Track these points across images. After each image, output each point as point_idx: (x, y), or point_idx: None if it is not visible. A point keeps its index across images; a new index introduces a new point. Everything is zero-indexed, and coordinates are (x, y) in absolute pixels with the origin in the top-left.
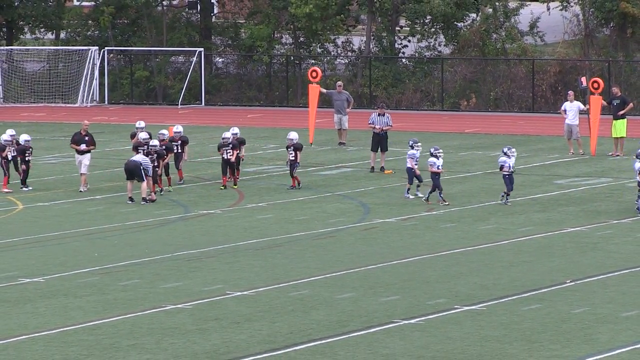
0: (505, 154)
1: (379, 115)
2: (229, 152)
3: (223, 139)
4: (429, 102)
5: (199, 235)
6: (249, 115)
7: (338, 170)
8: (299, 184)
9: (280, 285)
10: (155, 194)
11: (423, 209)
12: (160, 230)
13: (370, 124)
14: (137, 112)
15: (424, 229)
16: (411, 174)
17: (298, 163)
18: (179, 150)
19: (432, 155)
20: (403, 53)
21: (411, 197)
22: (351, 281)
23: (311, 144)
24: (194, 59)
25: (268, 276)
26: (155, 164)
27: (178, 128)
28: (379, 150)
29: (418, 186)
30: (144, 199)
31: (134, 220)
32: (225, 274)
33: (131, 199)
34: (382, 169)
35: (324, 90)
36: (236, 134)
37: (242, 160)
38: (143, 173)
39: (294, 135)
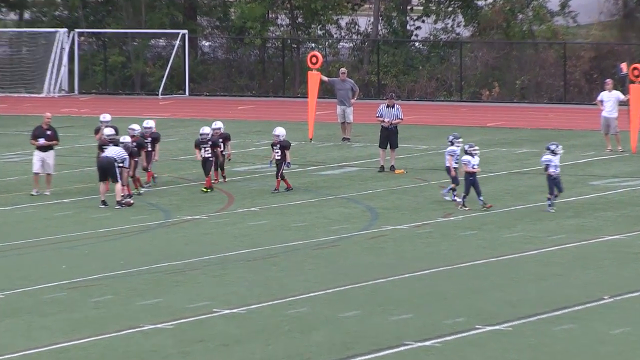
0: (552, 151)
1: (387, 106)
2: (208, 151)
3: (201, 134)
4: (445, 91)
5: (182, 244)
6: (240, 107)
7: (341, 170)
8: (276, 189)
9: (276, 301)
10: (131, 197)
11: (439, 214)
12: (137, 239)
13: (378, 116)
14: (112, 103)
15: (441, 238)
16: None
17: (289, 163)
18: (150, 149)
19: (466, 153)
20: (416, 36)
21: (447, 198)
22: (357, 297)
23: (311, 139)
24: (177, 42)
25: (261, 291)
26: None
27: (149, 123)
28: (388, 147)
29: (454, 190)
30: (118, 203)
31: (107, 227)
32: (212, 288)
33: (104, 202)
34: (393, 168)
35: (326, 79)
36: (219, 128)
37: (229, 159)
38: (118, 171)
39: (280, 131)
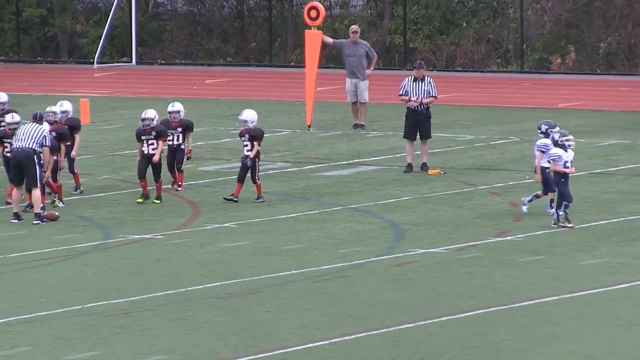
0: None
1: (415, 80)
2: (153, 144)
3: (143, 120)
4: (499, 58)
5: (127, 274)
6: (208, 80)
7: (353, 170)
8: (258, 196)
9: (260, 355)
10: (54, 204)
11: (491, 231)
12: (65, 267)
13: (402, 94)
14: (27, 75)
15: (492, 265)
16: (548, 177)
17: (251, 159)
18: (68, 141)
19: (556, 144)
20: None
21: (552, 211)
22: (375, 349)
23: (309, 126)
24: None
25: (239, 341)
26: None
27: (63, 105)
28: (418, 137)
29: (530, 199)
30: (38, 216)
31: (22, 251)
32: (169, 337)
33: (17, 215)
34: (425, 167)
35: (330, 40)
36: (177, 112)
37: (188, 157)
38: (39, 168)
39: (248, 115)
